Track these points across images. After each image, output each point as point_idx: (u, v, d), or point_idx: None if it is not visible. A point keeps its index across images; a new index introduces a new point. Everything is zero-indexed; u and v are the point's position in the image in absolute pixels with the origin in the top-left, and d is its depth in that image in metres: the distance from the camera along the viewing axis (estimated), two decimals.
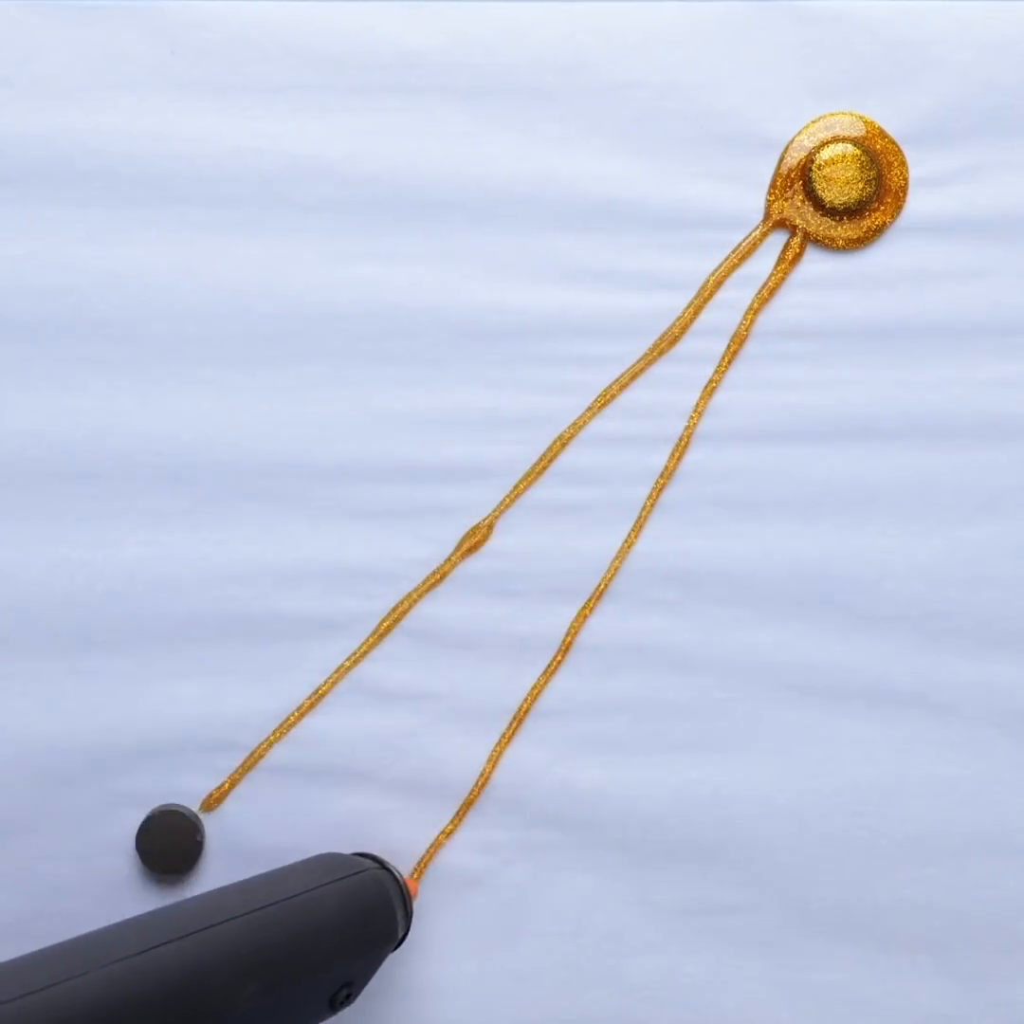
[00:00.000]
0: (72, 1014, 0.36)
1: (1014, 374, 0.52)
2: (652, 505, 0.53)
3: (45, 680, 0.53)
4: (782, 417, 0.53)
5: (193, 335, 0.53)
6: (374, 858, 0.50)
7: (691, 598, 0.53)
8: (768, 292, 0.53)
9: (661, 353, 0.53)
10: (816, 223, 0.52)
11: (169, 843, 0.53)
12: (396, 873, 0.50)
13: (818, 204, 0.52)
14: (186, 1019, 0.38)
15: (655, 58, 0.52)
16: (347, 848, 0.54)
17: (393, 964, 0.54)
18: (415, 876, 0.53)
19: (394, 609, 0.54)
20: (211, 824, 0.54)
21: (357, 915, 0.46)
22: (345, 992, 0.46)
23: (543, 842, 0.54)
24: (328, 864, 0.48)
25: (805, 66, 0.52)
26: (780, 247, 0.53)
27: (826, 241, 0.52)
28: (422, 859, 0.54)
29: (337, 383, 0.53)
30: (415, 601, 0.54)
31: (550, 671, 0.54)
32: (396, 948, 0.50)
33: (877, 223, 0.52)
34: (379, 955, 0.48)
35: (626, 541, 0.54)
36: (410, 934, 0.52)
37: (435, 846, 0.54)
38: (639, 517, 0.53)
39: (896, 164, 0.52)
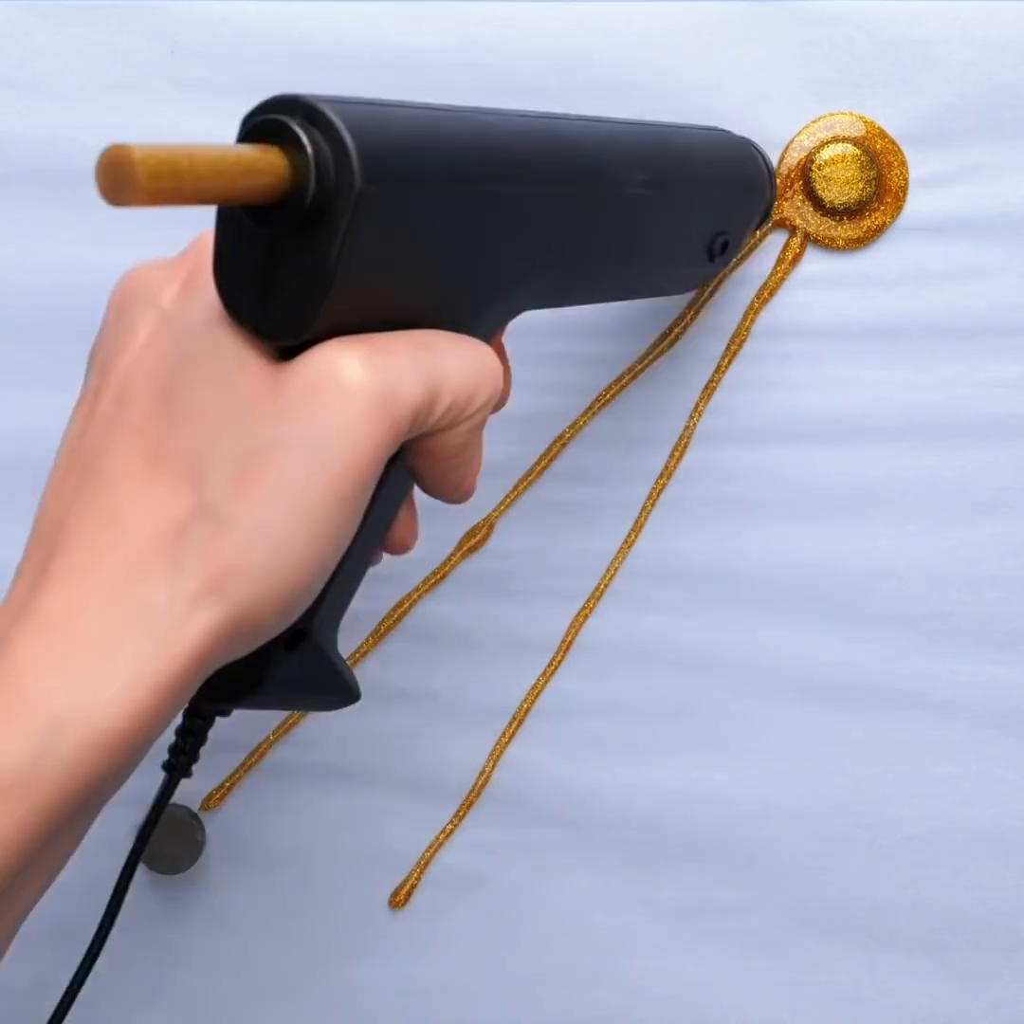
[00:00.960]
0: (482, 136, 0.35)
1: (1014, 374, 0.52)
2: (652, 505, 0.53)
3: None
4: (782, 417, 0.53)
5: None
6: (752, 143, 0.52)
7: (691, 598, 0.53)
8: (768, 292, 0.53)
9: (661, 353, 0.53)
10: (816, 223, 0.52)
11: (169, 843, 0.53)
12: (767, 157, 0.51)
13: (818, 204, 0.52)
14: (581, 182, 0.38)
15: (655, 58, 0.52)
16: (346, 848, 0.54)
17: (393, 963, 0.54)
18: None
19: (394, 609, 0.54)
20: (211, 824, 0.54)
21: (732, 160, 0.47)
22: (722, 241, 0.47)
23: (543, 842, 0.54)
24: (703, 126, 0.49)
25: (805, 66, 0.52)
26: (780, 247, 0.53)
27: (826, 241, 0.52)
28: (422, 859, 0.54)
29: None
30: (415, 601, 0.54)
31: (550, 671, 0.54)
32: (761, 224, 0.51)
33: (877, 223, 0.52)
34: (750, 210, 0.49)
35: (626, 541, 0.54)
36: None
37: (435, 846, 0.54)
38: (639, 517, 0.53)
39: (896, 164, 0.52)
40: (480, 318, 0.37)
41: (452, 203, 0.33)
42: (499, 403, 0.41)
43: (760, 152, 0.51)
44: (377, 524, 0.37)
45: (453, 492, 0.38)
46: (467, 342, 0.35)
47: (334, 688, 0.39)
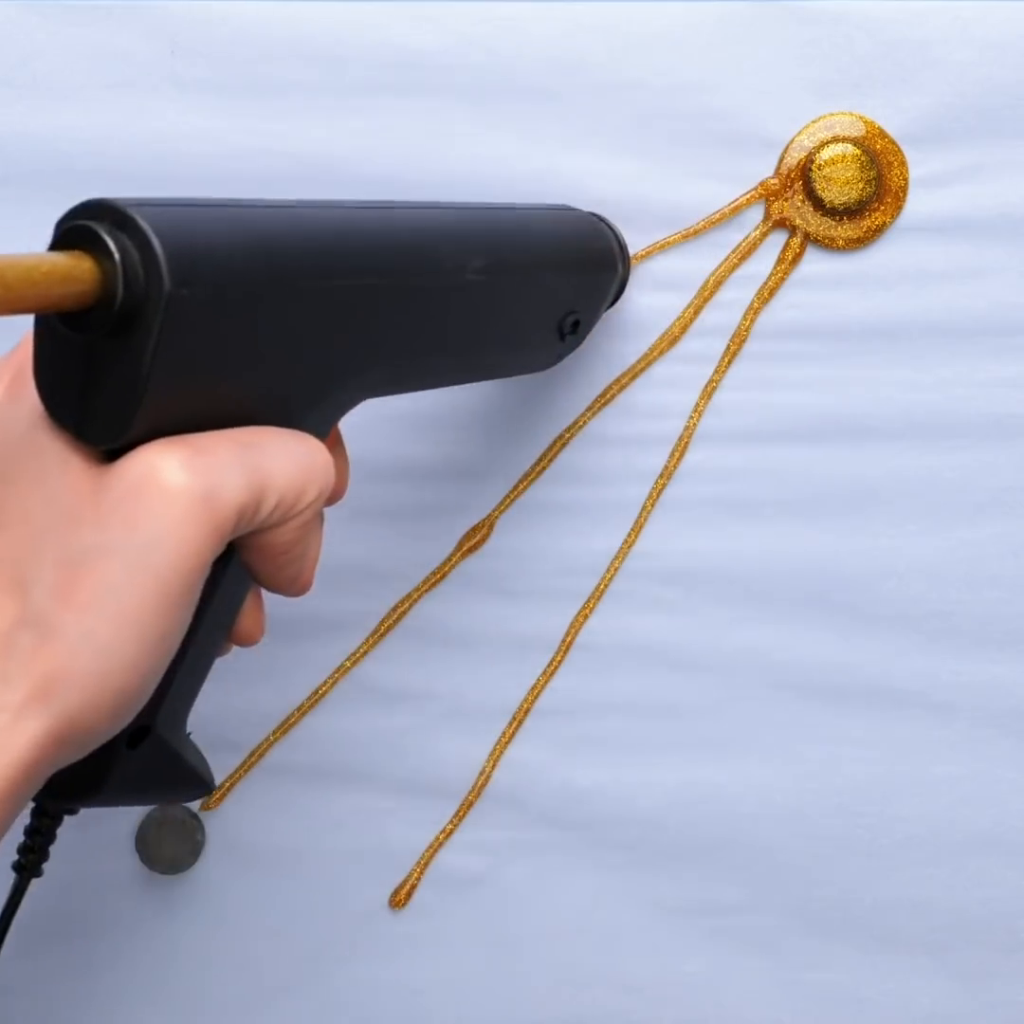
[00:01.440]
0: (309, 232, 0.35)
1: (1014, 374, 0.52)
2: (652, 505, 0.53)
3: None
4: (782, 417, 0.53)
5: None
6: (597, 215, 0.51)
7: (691, 598, 0.53)
8: (768, 292, 0.53)
9: (661, 353, 0.53)
10: (816, 223, 0.52)
11: (169, 843, 0.53)
12: (617, 230, 0.51)
13: (818, 204, 0.52)
14: (414, 271, 0.38)
15: (655, 58, 0.52)
16: (346, 848, 0.54)
17: (393, 963, 0.54)
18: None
19: (394, 609, 0.54)
20: (211, 824, 0.54)
21: (578, 238, 0.47)
22: (572, 320, 0.46)
23: (543, 842, 0.54)
24: (547, 204, 0.49)
25: (805, 66, 0.52)
26: (780, 247, 0.53)
27: (826, 241, 0.52)
28: (422, 859, 0.54)
29: None
30: (415, 601, 0.54)
31: (550, 671, 0.54)
32: (614, 300, 0.51)
33: (877, 223, 0.52)
34: (602, 288, 0.48)
35: (626, 541, 0.54)
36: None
37: (435, 846, 0.54)
38: (639, 517, 0.53)
39: (896, 164, 0.52)
40: (310, 413, 0.36)
41: (270, 303, 0.33)
42: (334, 496, 0.40)
43: (610, 227, 0.50)
44: (219, 618, 0.37)
45: (288, 586, 0.37)
46: (296, 438, 0.34)
47: (184, 781, 0.39)
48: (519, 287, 0.43)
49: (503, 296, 0.42)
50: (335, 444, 0.41)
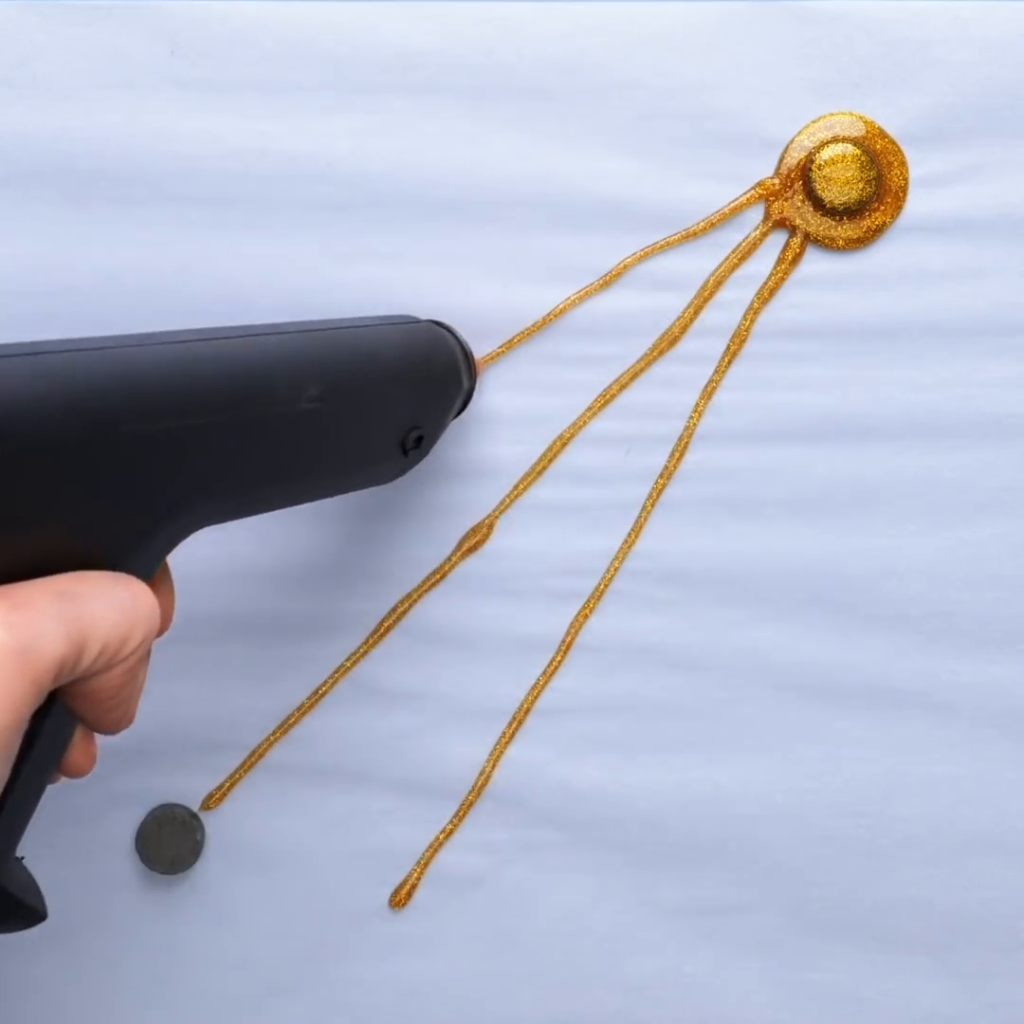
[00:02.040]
0: (127, 375, 0.33)
1: (1014, 374, 0.52)
2: (652, 505, 0.53)
3: None
4: (782, 417, 0.53)
5: None
6: (439, 323, 0.51)
7: (691, 598, 0.53)
8: (768, 292, 0.53)
9: (661, 353, 0.53)
10: (816, 223, 0.52)
11: (169, 843, 0.53)
12: (461, 338, 0.50)
13: (818, 204, 0.52)
14: (245, 405, 0.37)
15: (655, 58, 0.52)
16: (346, 848, 0.54)
17: (393, 963, 0.54)
18: (484, 360, 0.52)
19: (394, 609, 0.54)
20: (211, 824, 0.54)
21: (418, 353, 0.46)
22: (415, 435, 0.46)
23: (543, 842, 0.54)
24: (387, 315, 0.48)
25: (805, 66, 0.52)
26: (780, 247, 0.53)
27: (826, 241, 0.52)
28: (422, 859, 0.54)
29: None
30: (415, 601, 0.54)
31: (550, 671, 0.54)
32: (461, 410, 0.50)
33: (877, 223, 0.52)
34: (446, 402, 0.48)
35: (626, 541, 0.54)
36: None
37: (435, 846, 0.54)
38: (639, 517, 0.53)
39: (896, 164, 0.52)
40: (137, 554, 0.35)
41: (86, 452, 0.32)
42: (161, 629, 0.40)
43: (454, 336, 0.50)
44: (44, 761, 0.36)
45: (112, 727, 0.37)
46: (120, 584, 0.33)
47: (15, 913, 0.38)
48: (358, 410, 0.42)
49: (341, 421, 0.41)
50: (162, 575, 0.40)
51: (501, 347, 0.53)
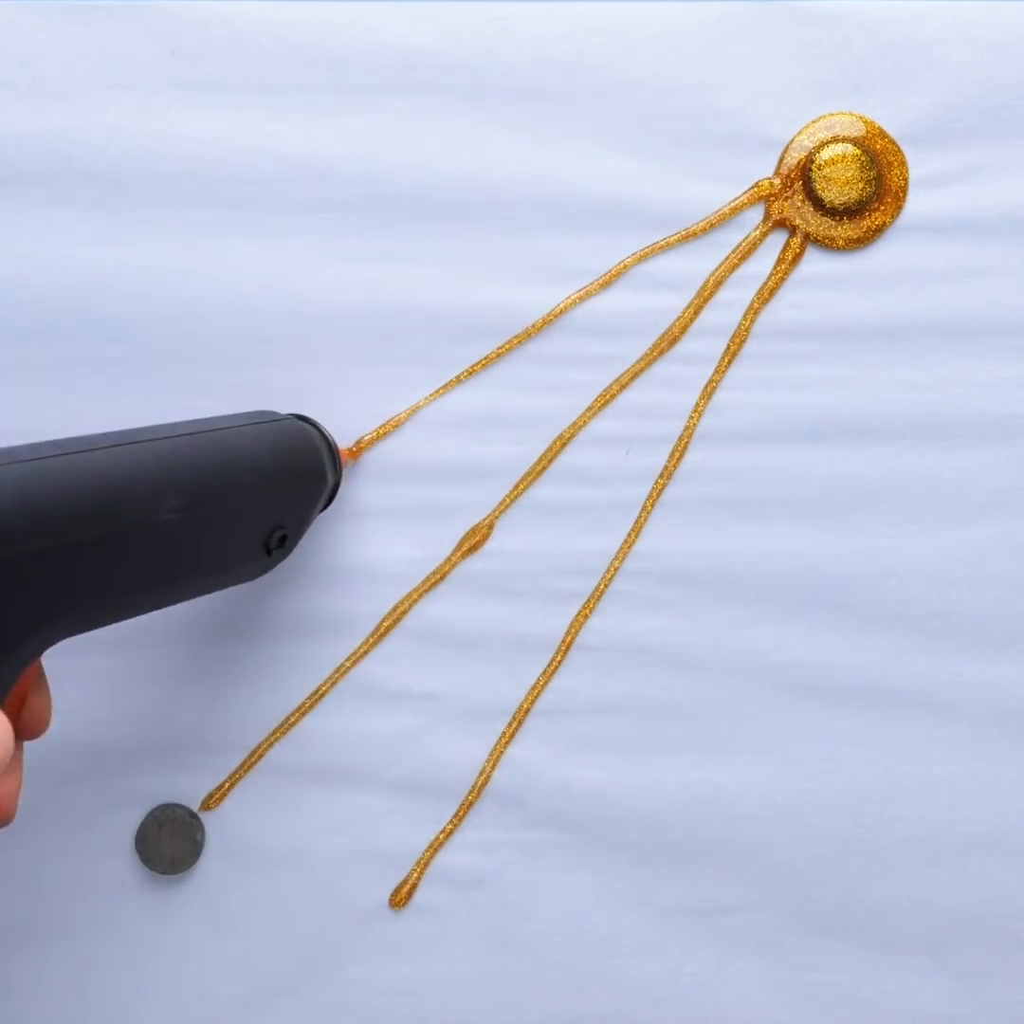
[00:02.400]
0: None
1: (1014, 374, 0.52)
2: (652, 505, 0.53)
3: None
4: (782, 417, 0.53)
5: (193, 335, 0.53)
6: (303, 416, 0.50)
7: (691, 598, 0.53)
8: (768, 292, 0.53)
9: (661, 353, 0.53)
10: (816, 223, 0.52)
11: (169, 843, 0.53)
12: (325, 431, 0.50)
13: (818, 204, 0.52)
14: (103, 521, 0.37)
15: (655, 58, 0.52)
16: (346, 848, 0.54)
17: (393, 963, 0.54)
18: (355, 447, 0.53)
19: (394, 609, 0.54)
20: (211, 824, 0.54)
21: (280, 453, 0.46)
22: (279, 535, 0.45)
23: (543, 842, 0.54)
24: (250, 414, 0.47)
25: (805, 66, 0.52)
26: (780, 247, 0.53)
27: (826, 241, 0.52)
28: (422, 859, 0.54)
29: (337, 383, 0.53)
30: (415, 601, 0.54)
31: (550, 671, 0.54)
32: (328, 504, 0.50)
33: (877, 223, 0.52)
34: (309, 500, 0.47)
35: (626, 541, 0.54)
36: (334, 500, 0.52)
37: (435, 846, 0.54)
38: (639, 517, 0.53)
39: (896, 164, 0.52)
40: None
41: None
42: (36, 732, 0.39)
43: (319, 430, 0.49)
44: None
45: None
46: None
47: None
48: (220, 516, 0.42)
49: (203, 529, 0.41)
50: (37, 680, 0.39)
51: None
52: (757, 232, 0.52)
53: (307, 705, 0.54)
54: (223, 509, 0.42)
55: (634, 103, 0.52)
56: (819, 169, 0.52)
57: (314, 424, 0.50)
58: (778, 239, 0.53)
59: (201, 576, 0.42)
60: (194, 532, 0.41)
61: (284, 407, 0.53)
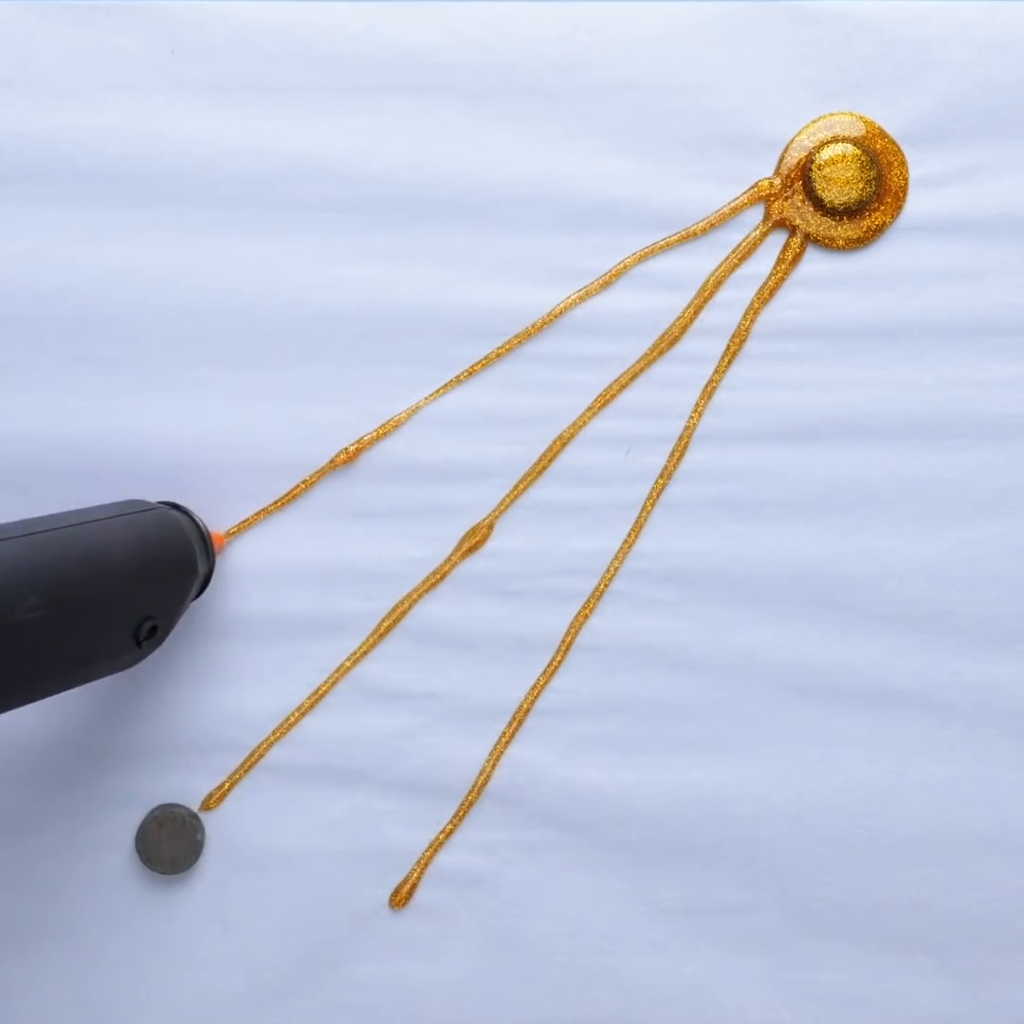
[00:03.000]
0: None
1: (1014, 374, 0.52)
2: (652, 505, 0.53)
3: None
4: (782, 417, 0.53)
5: (193, 335, 0.53)
6: (175, 505, 0.50)
7: (691, 598, 0.53)
8: (768, 292, 0.53)
9: (661, 353, 0.53)
10: (816, 223, 0.52)
11: (169, 843, 0.53)
12: (197, 519, 0.50)
13: (818, 204, 0.52)
14: None
15: (655, 58, 0.52)
16: (347, 848, 0.54)
17: (393, 963, 0.54)
18: (227, 534, 0.53)
19: (394, 609, 0.54)
20: (211, 824, 0.54)
21: (148, 546, 0.45)
22: (149, 626, 0.45)
23: (543, 842, 0.54)
24: (119, 504, 0.47)
25: (805, 66, 0.52)
26: (780, 247, 0.53)
27: (826, 241, 0.52)
28: (422, 859, 0.54)
29: (337, 383, 0.53)
30: (415, 601, 0.54)
31: (550, 671, 0.54)
32: (201, 592, 0.50)
33: (877, 223, 0.52)
34: (180, 590, 0.47)
35: (626, 541, 0.54)
36: (209, 589, 0.52)
37: (435, 846, 0.54)
38: (639, 517, 0.53)
39: (896, 164, 0.52)
40: None
41: None
42: None
43: (191, 517, 0.49)
44: None
45: None
46: None
47: None
48: (86, 612, 0.41)
49: (66, 625, 0.41)
50: None
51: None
52: (757, 232, 0.52)
53: (307, 705, 0.54)
54: (87, 604, 0.41)
55: (634, 103, 0.52)
56: (819, 169, 0.52)
57: (186, 511, 0.50)
58: (778, 239, 0.53)
59: (66, 671, 0.42)
60: (56, 629, 0.40)
61: (285, 406, 0.53)
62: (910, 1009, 0.53)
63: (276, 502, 0.53)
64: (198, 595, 0.51)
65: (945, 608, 0.53)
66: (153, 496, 0.52)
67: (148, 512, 0.47)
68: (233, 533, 0.52)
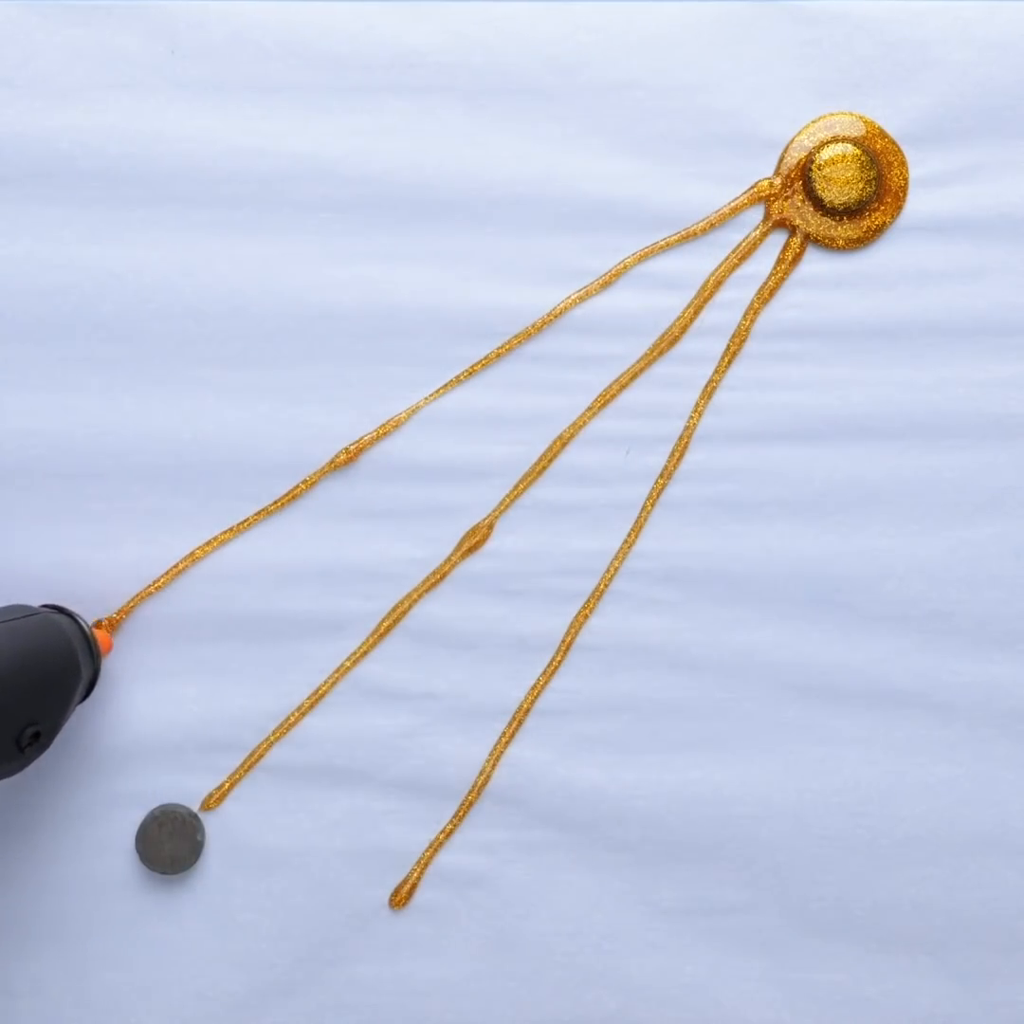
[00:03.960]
0: None
1: (1014, 374, 0.52)
2: (652, 505, 0.53)
3: None
4: (782, 417, 0.53)
5: (193, 335, 0.53)
6: (60, 608, 0.50)
7: (691, 598, 0.53)
8: (768, 292, 0.53)
9: (661, 353, 0.53)
10: (816, 223, 0.52)
11: (169, 843, 0.53)
12: (81, 621, 0.49)
13: (818, 204, 0.52)
14: None
15: (655, 58, 0.52)
16: (347, 848, 0.54)
17: (393, 963, 0.54)
18: (112, 630, 0.52)
19: (394, 609, 0.54)
20: (211, 824, 0.54)
21: (28, 653, 0.45)
22: (31, 732, 0.44)
23: (543, 842, 0.54)
24: (0, 610, 0.47)
25: (805, 66, 0.52)
26: (780, 247, 0.53)
27: (826, 241, 0.52)
28: (422, 859, 0.54)
29: (337, 383, 0.53)
30: (415, 601, 0.54)
31: (550, 671, 0.54)
32: (86, 696, 0.49)
33: (877, 223, 0.52)
34: (64, 696, 0.46)
35: (626, 541, 0.54)
36: (98, 686, 0.52)
37: (435, 846, 0.54)
38: (639, 517, 0.53)
39: (896, 164, 0.52)
40: None
41: None
42: None
43: (74, 620, 0.49)
44: None
45: None
46: None
47: None
48: None
49: None
50: None
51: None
52: (757, 232, 0.52)
53: (307, 705, 0.54)
54: None
55: (634, 103, 0.52)
56: (819, 169, 0.52)
57: (70, 614, 0.49)
58: (778, 239, 0.53)
59: None
60: None
61: (284, 406, 0.53)
62: (910, 1009, 0.53)
63: (276, 502, 0.53)
64: (85, 698, 0.50)
65: (945, 608, 0.53)
66: (36, 599, 0.52)
67: (27, 618, 0.46)
68: (115, 624, 0.52)
